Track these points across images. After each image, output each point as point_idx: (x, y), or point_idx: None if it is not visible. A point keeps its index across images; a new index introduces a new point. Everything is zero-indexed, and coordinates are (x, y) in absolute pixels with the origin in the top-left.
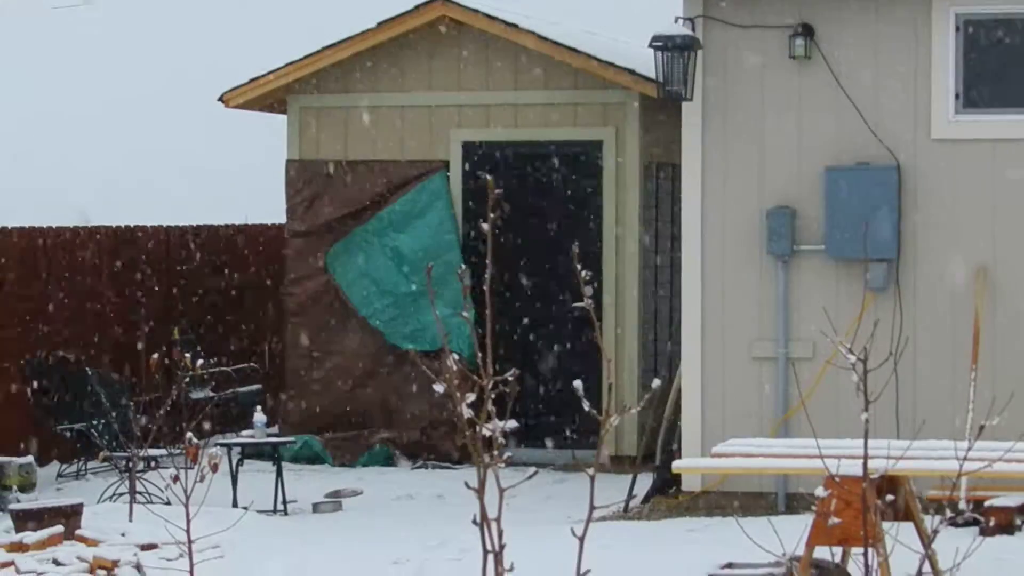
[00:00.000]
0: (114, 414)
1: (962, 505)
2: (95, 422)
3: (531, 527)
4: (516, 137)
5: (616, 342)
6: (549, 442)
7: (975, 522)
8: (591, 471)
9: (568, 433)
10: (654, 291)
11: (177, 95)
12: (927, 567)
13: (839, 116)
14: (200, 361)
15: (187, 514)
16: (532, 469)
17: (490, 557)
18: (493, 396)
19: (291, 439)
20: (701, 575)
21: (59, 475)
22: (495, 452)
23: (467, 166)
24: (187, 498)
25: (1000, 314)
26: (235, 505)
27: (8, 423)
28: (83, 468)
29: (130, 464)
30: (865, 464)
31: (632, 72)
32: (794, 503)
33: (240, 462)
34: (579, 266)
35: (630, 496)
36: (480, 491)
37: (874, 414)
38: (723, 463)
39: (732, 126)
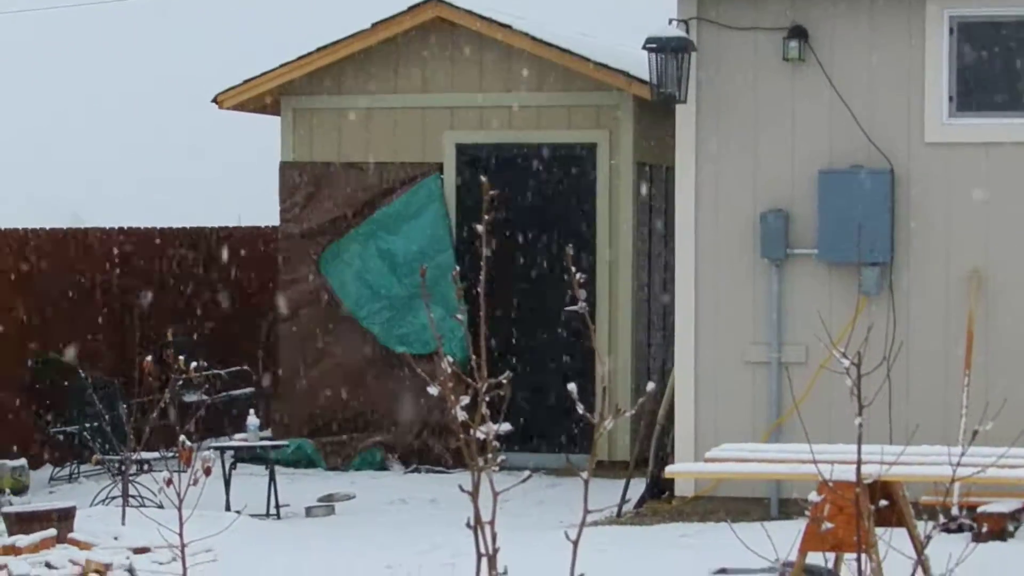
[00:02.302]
0: (107, 417)
1: (955, 511)
2: (88, 425)
3: (524, 531)
4: (510, 139)
5: (609, 345)
6: (542, 446)
7: (968, 528)
8: (585, 475)
9: (561, 437)
10: (648, 294)
11: (171, 96)
12: (920, 573)
13: (833, 119)
14: (193, 364)
15: (180, 517)
16: (526, 473)
17: (484, 561)
18: (487, 399)
19: (284, 442)
20: None
21: (52, 478)
22: (489, 456)
23: (461, 168)
24: (180, 501)
25: (994, 318)
26: (228, 509)
27: (1, 425)
28: (76, 471)
29: (123, 467)
30: (859, 469)
31: (626, 74)
32: (787, 508)
33: (233, 465)
34: (573, 268)
35: (623, 501)
36: (474, 495)
37: (867, 419)
38: (716, 468)
39: (725, 128)
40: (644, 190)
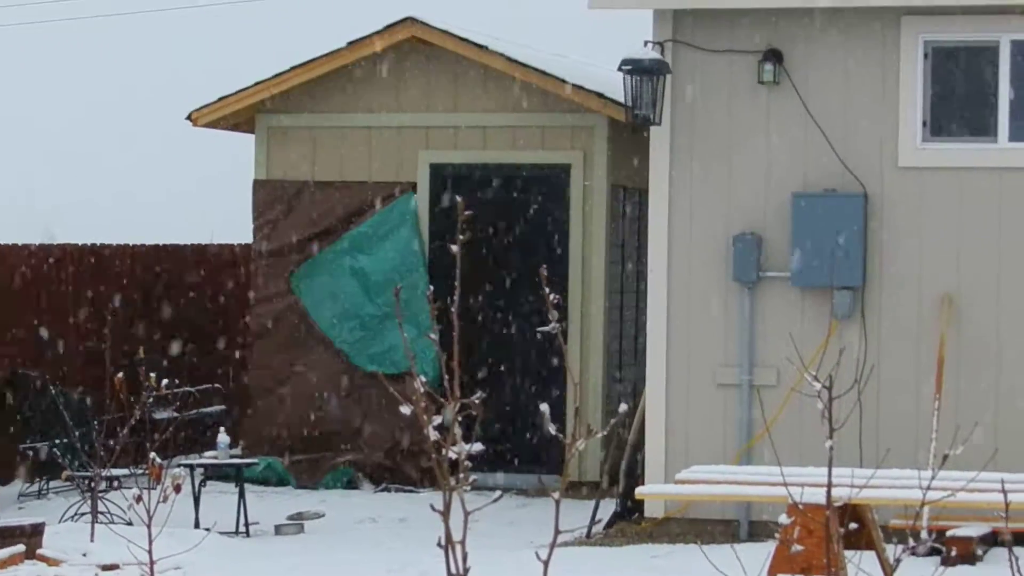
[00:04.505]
0: (77, 433)
1: (924, 535)
2: (58, 441)
3: (494, 551)
4: (484, 159)
5: (581, 366)
6: (513, 466)
7: (937, 552)
8: (556, 495)
9: (533, 457)
10: (619, 316)
11: (144, 113)
12: None
13: (807, 142)
14: (165, 381)
15: (149, 535)
16: (497, 493)
17: None
18: (460, 419)
19: (254, 460)
20: None
21: (21, 494)
22: (460, 475)
23: (435, 188)
24: (149, 518)
25: (964, 343)
26: (197, 526)
27: None
28: (45, 487)
29: (92, 484)
30: (828, 492)
31: (601, 96)
32: (757, 530)
33: (203, 483)
34: (547, 289)
35: (593, 522)
36: (445, 514)
37: (838, 442)
38: (686, 490)
39: (700, 151)
40: (618, 211)
